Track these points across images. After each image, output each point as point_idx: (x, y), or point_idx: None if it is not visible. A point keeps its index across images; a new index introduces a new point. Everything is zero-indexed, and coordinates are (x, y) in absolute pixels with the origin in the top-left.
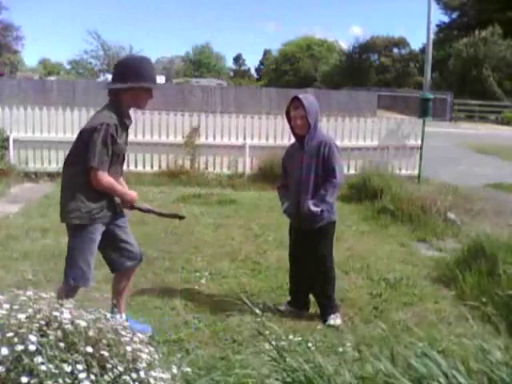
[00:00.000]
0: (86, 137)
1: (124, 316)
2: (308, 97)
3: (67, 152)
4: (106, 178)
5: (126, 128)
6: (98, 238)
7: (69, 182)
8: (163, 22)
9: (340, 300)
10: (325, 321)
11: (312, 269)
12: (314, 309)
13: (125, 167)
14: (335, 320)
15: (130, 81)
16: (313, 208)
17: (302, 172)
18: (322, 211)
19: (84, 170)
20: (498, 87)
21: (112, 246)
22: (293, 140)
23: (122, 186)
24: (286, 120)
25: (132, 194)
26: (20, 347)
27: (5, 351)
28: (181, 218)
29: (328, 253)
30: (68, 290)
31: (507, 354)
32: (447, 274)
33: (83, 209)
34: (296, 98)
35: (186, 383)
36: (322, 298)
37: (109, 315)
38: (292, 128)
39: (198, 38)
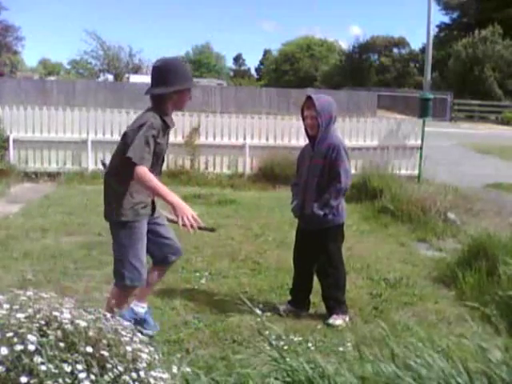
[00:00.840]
0: (130, 135)
1: (146, 306)
2: (322, 97)
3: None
4: (147, 173)
5: (168, 131)
6: (145, 233)
7: (112, 182)
8: (163, 22)
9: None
10: (326, 319)
11: (319, 270)
12: (313, 309)
13: None
14: (335, 320)
15: (172, 84)
16: (316, 211)
17: (309, 173)
18: (325, 214)
19: (126, 167)
20: (498, 87)
21: (155, 243)
22: (301, 140)
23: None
24: (285, 120)
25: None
26: (20, 347)
27: (4, 351)
28: (212, 230)
29: (335, 255)
30: (124, 292)
31: (507, 354)
32: (447, 273)
33: (127, 205)
34: (309, 98)
35: (185, 383)
36: (328, 299)
37: (109, 315)
38: (305, 127)
39: (198, 38)
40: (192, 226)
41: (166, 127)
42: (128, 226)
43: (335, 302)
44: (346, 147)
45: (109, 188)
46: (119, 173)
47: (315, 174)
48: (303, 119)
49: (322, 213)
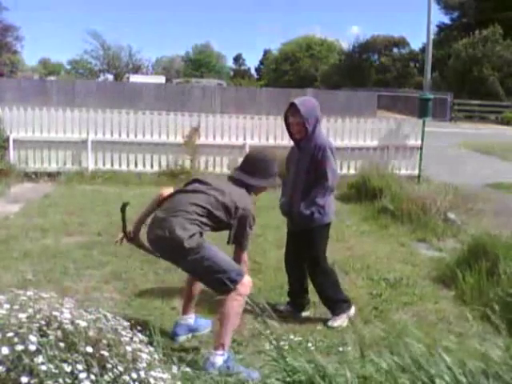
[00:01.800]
0: (241, 219)
1: (193, 316)
2: (306, 101)
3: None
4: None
5: None
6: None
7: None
8: (163, 22)
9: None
10: (326, 322)
11: (308, 270)
12: (313, 309)
13: (125, 167)
14: (333, 322)
15: (263, 178)
16: (303, 210)
17: (296, 173)
18: (312, 213)
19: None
20: (498, 87)
21: None
22: None
23: None
24: (284, 120)
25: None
26: (20, 347)
27: (5, 351)
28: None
29: (320, 255)
30: (245, 288)
31: (507, 353)
32: (447, 273)
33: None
34: (293, 104)
35: (185, 383)
36: (323, 299)
37: (109, 315)
38: (290, 133)
39: (198, 38)
40: None
41: None
42: (200, 244)
43: (330, 302)
44: (333, 146)
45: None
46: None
47: (302, 174)
48: (287, 125)
49: (308, 212)
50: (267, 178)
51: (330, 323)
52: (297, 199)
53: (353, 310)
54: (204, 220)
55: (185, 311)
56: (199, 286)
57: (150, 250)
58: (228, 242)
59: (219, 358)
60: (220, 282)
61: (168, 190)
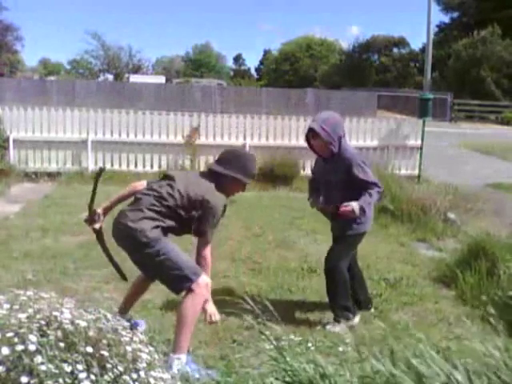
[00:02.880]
0: (207, 212)
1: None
2: (327, 122)
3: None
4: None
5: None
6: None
7: (159, 207)
8: (163, 22)
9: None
10: (325, 324)
11: (327, 270)
12: (313, 309)
13: (125, 167)
14: (332, 327)
15: (238, 173)
16: (356, 208)
17: (331, 188)
18: (353, 221)
19: (188, 223)
20: (498, 87)
21: None
22: (301, 140)
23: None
24: (285, 120)
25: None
26: (20, 347)
27: (5, 351)
28: (124, 278)
29: (344, 261)
30: (200, 291)
31: (507, 354)
32: (447, 273)
33: (156, 229)
34: (311, 130)
35: (185, 383)
36: (331, 302)
37: (109, 315)
38: (315, 151)
39: (198, 38)
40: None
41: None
42: (157, 240)
43: (336, 306)
44: (363, 159)
45: (149, 210)
46: (175, 214)
47: (339, 189)
48: (310, 146)
49: (358, 213)
50: (242, 174)
51: (328, 327)
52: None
53: (356, 320)
54: (165, 212)
55: (122, 310)
56: (145, 290)
57: (107, 249)
58: (192, 233)
59: (176, 362)
60: (174, 280)
61: (140, 184)
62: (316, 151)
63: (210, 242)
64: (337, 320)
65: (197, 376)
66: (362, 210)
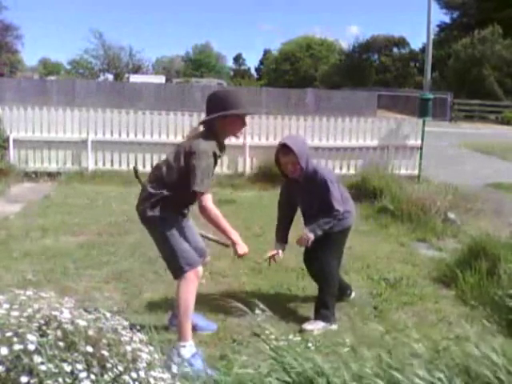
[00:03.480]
0: (192, 162)
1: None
2: (296, 139)
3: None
4: (214, 208)
5: (220, 154)
6: (181, 225)
7: (156, 186)
8: (163, 22)
9: (340, 300)
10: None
11: (317, 270)
12: (312, 309)
13: (125, 167)
14: (308, 325)
15: (221, 111)
16: (308, 233)
17: (309, 203)
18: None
19: (183, 187)
20: (498, 87)
21: None
22: None
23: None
24: (285, 120)
25: None
26: (19, 347)
27: (4, 351)
28: (226, 246)
29: (328, 259)
30: (190, 281)
31: (506, 354)
32: (447, 273)
33: (164, 207)
34: (284, 145)
35: (186, 383)
36: (318, 299)
37: (108, 315)
38: (283, 173)
39: (198, 38)
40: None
41: (219, 153)
42: (164, 221)
43: (319, 303)
44: (332, 177)
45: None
46: (172, 185)
47: (308, 206)
48: (279, 165)
49: (312, 236)
50: (229, 108)
51: (303, 325)
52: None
53: (334, 327)
54: (163, 183)
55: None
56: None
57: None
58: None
59: (183, 349)
60: (170, 265)
61: None
62: (284, 172)
63: (205, 192)
64: (316, 318)
65: (192, 374)
66: (314, 233)
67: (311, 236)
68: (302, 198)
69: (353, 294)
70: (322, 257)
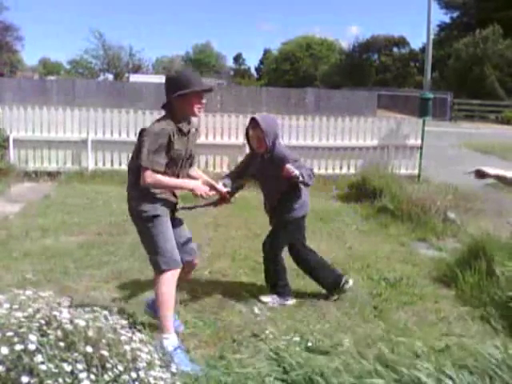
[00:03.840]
0: (142, 142)
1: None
2: (267, 117)
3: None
4: (155, 176)
5: (183, 133)
6: (169, 224)
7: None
8: (163, 22)
9: (339, 299)
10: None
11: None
12: (313, 309)
13: (125, 167)
14: (265, 297)
15: (174, 91)
16: (291, 169)
17: (268, 180)
18: (298, 177)
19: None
20: (499, 87)
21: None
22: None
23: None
24: (285, 120)
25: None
26: (20, 347)
27: (5, 350)
28: (212, 203)
29: (281, 249)
30: (166, 278)
31: (506, 353)
32: (447, 273)
33: (147, 201)
34: (253, 119)
35: (186, 383)
36: (270, 283)
37: (109, 314)
38: (251, 147)
39: (198, 38)
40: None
41: (179, 131)
42: (151, 218)
43: (278, 285)
44: (294, 157)
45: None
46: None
47: (276, 183)
48: (248, 140)
49: (297, 172)
50: (181, 88)
51: (261, 296)
52: (275, 200)
53: (290, 302)
54: (133, 169)
55: None
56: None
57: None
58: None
59: (165, 341)
60: (150, 259)
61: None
62: (252, 145)
63: (151, 168)
64: (272, 292)
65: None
66: (302, 175)
67: (295, 170)
68: (262, 175)
69: (350, 282)
70: (274, 246)
